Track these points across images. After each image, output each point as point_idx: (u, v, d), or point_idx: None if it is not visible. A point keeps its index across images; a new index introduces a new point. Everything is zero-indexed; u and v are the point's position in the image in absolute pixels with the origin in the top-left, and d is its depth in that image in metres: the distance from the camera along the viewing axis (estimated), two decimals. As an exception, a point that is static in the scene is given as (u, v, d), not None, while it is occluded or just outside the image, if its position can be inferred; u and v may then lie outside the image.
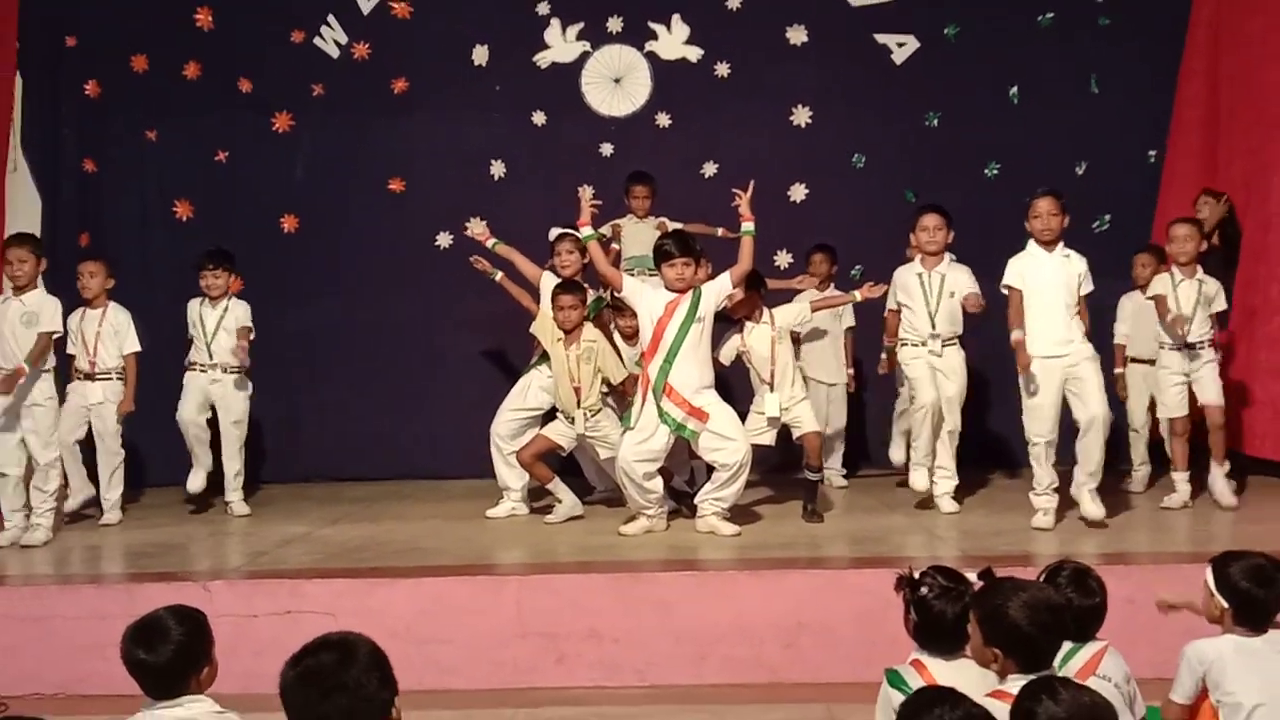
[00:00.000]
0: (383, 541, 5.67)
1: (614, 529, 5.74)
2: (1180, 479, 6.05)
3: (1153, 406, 6.47)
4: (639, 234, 6.87)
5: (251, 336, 6.61)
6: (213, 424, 6.62)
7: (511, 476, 6.33)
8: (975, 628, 2.79)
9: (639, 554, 5.29)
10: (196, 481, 6.59)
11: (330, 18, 8.00)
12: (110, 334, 6.37)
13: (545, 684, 4.47)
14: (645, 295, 5.74)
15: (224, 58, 7.96)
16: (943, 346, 6.02)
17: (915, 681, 2.82)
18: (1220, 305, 6.11)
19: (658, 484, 5.71)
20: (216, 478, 6.67)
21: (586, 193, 6.01)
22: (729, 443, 5.57)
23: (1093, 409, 5.44)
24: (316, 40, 8.01)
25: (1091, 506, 5.49)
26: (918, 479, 6.13)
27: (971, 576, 2.96)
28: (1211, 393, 5.98)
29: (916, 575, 3.01)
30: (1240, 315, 6.63)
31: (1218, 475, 5.98)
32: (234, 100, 7.97)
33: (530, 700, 4.32)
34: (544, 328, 6.17)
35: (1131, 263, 6.65)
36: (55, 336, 5.93)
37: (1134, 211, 7.67)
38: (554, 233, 6.50)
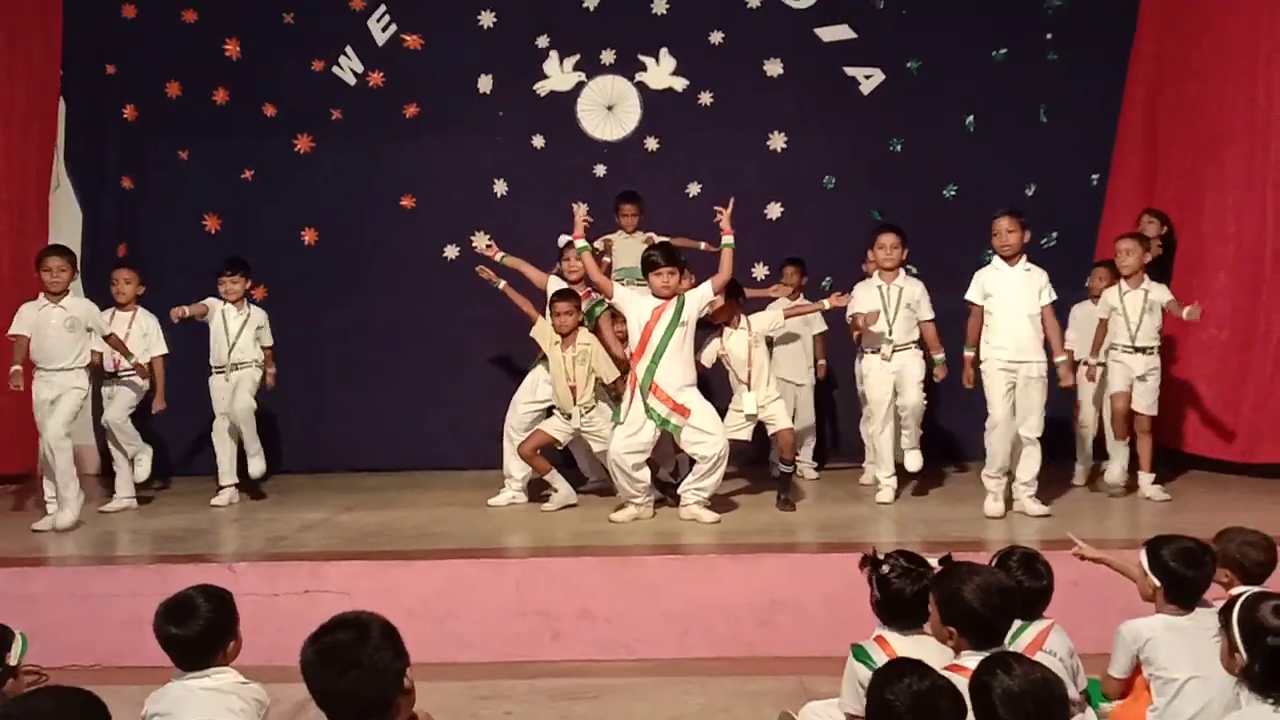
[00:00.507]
0: (395, 527, 5.65)
1: (605, 516, 5.73)
2: (1119, 448, 6.09)
3: (1099, 405, 6.51)
4: (628, 248, 6.87)
5: (271, 347, 6.63)
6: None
7: (516, 466, 6.32)
8: (934, 607, 2.80)
9: (628, 539, 5.29)
10: (222, 500, 6.44)
11: (348, 48, 7.99)
12: (138, 336, 6.36)
13: (542, 658, 4.46)
14: (634, 301, 5.74)
15: (250, 85, 7.95)
16: (893, 352, 6.05)
17: (878, 655, 2.82)
18: (1167, 297, 6.01)
19: (645, 474, 5.71)
20: (240, 466, 6.65)
21: (580, 209, 6.01)
22: (708, 437, 5.58)
23: (1029, 431, 5.53)
24: (335, 69, 8.00)
25: (1033, 507, 5.54)
26: (884, 495, 6.07)
27: (933, 562, 2.97)
28: (1147, 403, 6.01)
29: (881, 556, 3.02)
30: (1176, 322, 6.64)
31: (1146, 482, 6.01)
32: (259, 124, 7.96)
33: (528, 673, 4.31)
34: (543, 332, 6.17)
35: (1090, 274, 6.68)
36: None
37: (1079, 229, 7.71)
38: (562, 240, 6.49)
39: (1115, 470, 6.11)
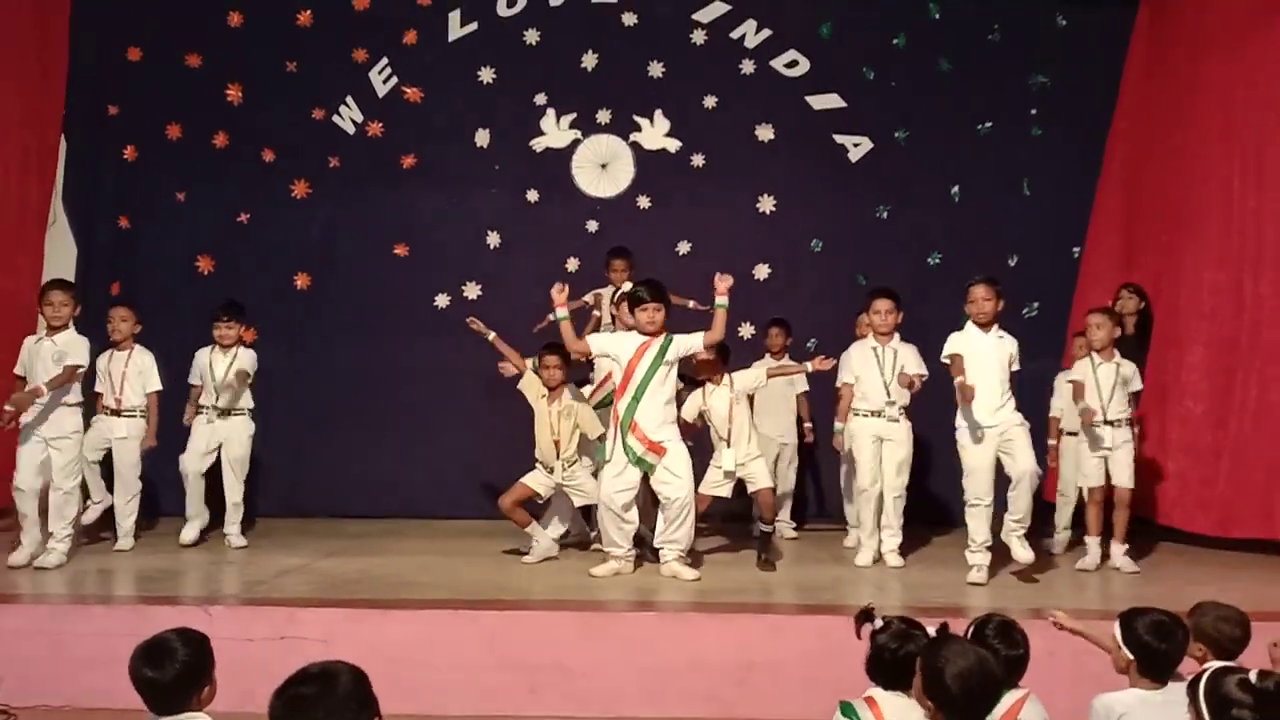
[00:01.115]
0: (374, 575, 5.60)
1: (585, 570, 5.71)
2: (1093, 543, 6.08)
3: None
4: None
5: (249, 380, 6.51)
6: (215, 463, 6.54)
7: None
8: (918, 675, 2.78)
9: (606, 594, 5.26)
10: (189, 534, 6.45)
11: (348, 98, 8.08)
12: (135, 374, 6.33)
13: (517, 713, 4.42)
14: (616, 341, 5.79)
15: (250, 130, 8.01)
16: (892, 418, 6.06)
17: (866, 715, 2.81)
18: (1136, 386, 6.19)
19: (634, 515, 5.68)
20: (219, 508, 6.58)
21: (564, 291, 5.93)
22: (675, 479, 5.58)
23: (1022, 464, 5.53)
24: (335, 118, 8.08)
25: (1020, 551, 5.53)
26: (863, 558, 6.09)
27: (932, 630, 2.95)
28: (1124, 475, 6.02)
29: (875, 612, 3.00)
30: (1153, 395, 6.71)
31: (1119, 553, 5.99)
32: (257, 168, 8.00)
33: (503, 727, 4.26)
34: (530, 384, 6.18)
35: (1071, 344, 6.74)
36: (81, 372, 5.86)
37: (1060, 300, 7.79)
38: (626, 287, 6.47)
39: (1089, 562, 6.07)
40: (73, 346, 5.79)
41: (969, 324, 5.75)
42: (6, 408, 5.61)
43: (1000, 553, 5.71)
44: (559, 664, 4.49)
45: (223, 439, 6.48)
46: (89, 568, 5.79)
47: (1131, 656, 3.06)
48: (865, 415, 6.12)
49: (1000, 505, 5.68)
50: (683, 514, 5.57)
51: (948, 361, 5.71)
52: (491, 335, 6.42)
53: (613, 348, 5.75)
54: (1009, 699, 2.99)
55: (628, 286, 6.69)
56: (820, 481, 7.85)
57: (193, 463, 6.45)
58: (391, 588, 5.27)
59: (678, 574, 5.54)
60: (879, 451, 6.08)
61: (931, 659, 2.72)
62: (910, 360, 6.10)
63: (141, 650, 2.62)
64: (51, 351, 5.74)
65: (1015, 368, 5.68)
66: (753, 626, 4.64)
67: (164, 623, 2.83)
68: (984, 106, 8.03)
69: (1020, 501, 5.54)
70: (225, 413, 6.44)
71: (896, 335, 6.19)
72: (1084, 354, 6.35)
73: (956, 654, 2.69)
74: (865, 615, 2.99)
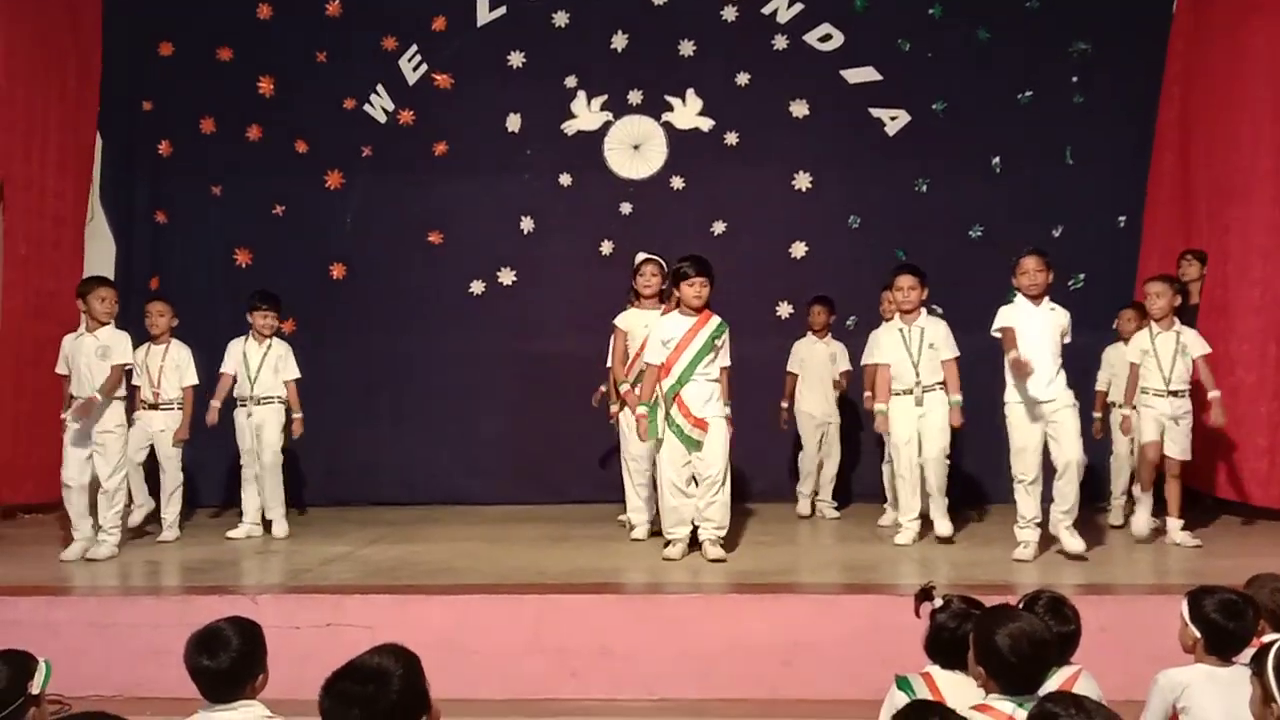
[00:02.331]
0: (417, 562, 5.65)
1: (628, 553, 5.71)
2: (1145, 497, 5.98)
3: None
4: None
5: (296, 376, 6.56)
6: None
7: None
8: (971, 645, 2.76)
9: (648, 577, 5.26)
10: (239, 534, 6.47)
11: (379, 87, 8.12)
12: (173, 368, 6.43)
13: (560, 696, 4.43)
14: (659, 322, 5.74)
15: (283, 122, 8.09)
16: (924, 393, 6.00)
17: (921, 689, 2.80)
18: (1201, 350, 5.98)
19: (694, 490, 5.66)
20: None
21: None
22: (709, 454, 5.53)
23: (1068, 454, 5.43)
24: (366, 107, 8.12)
25: (1071, 541, 5.43)
26: (903, 538, 6.02)
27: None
28: (1180, 447, 5.92)
29: (938, 596, 2.98)
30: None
31: (1175, 528, 5.88)
32: (291, 160, 8.08)
33: (546, 711, 4.28)
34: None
35: (1117, 316, 6.66)
36: (126, 368, 5.96)
37: (1106, 271, 7.67)
38: (640, 256, 6.43)
39: (1141, 519, 5.99)
40: (116, 343, 5.86)
41: (1019, 297, 5.66)
42: (66, 419, 5.74)
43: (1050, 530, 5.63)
44: (602, 647, 4.50)
45: (258, 429, 6.47)
46: (136, 559, 5.89)
47: (1199, 635, 3.02)
48: (899, 394, 6.06)
49: (1047, 491, 5.58)
50: (714, 490, 5.55)
51: (998, 335, 5.62)
52: (625, 386, 6.23)
53: (665, 329, 5.70)
54: (1061, 675, 2.96)
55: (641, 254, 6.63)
56: (861, 461, 7.79)
57: (249, 464, 6.47)
58: (433, 574, 5.31)
59: (705, 552, 5.52)
60: (916, 430, 6.01)
61: (982, 628, 2.71)
62: (939, 338, 6.01)
63: (196, 639, 2.66)
64: (94, 346, 5.82)
65: (1068, 340, 5.58)
66: (797, 607, 4.62)
67: (212, 612, 2.87)
68: (1024, 75, 7.89)
69: (1067, 494, 5.43)
70: (258, 402, 6.47)
71: (923, 312, 6.10)
72: (1132, 328, 6.23)
73: (1008, 619, 2.68)
74: (925, 594, 2.97)
